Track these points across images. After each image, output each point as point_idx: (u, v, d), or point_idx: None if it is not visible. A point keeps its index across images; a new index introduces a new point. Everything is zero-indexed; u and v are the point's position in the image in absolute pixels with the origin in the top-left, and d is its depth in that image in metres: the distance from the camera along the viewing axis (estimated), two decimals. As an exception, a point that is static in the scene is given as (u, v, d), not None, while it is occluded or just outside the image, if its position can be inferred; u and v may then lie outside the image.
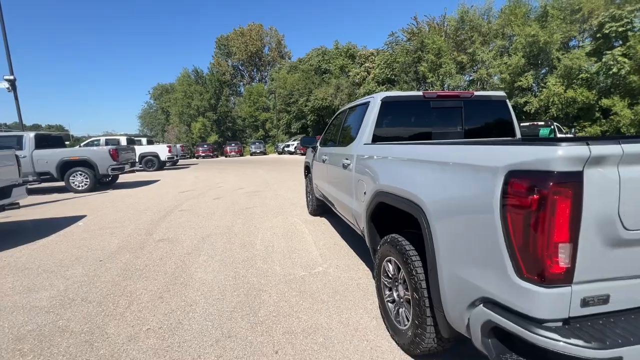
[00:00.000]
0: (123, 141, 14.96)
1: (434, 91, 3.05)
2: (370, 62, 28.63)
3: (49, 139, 9.48)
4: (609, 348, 0.95)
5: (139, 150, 15.84)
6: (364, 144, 2.73)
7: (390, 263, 2.00)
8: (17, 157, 4.79)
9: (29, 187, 6.17)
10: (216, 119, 40.01)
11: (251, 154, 32.50)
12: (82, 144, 15.19)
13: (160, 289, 2.84)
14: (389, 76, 24.26)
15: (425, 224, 1.55)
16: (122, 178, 12.28)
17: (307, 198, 5.69)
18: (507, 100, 3.07)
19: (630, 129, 12.65)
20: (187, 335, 2.16)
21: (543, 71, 16.67)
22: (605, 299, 1.06)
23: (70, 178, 8.84)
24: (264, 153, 32.99)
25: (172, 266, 3.35)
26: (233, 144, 32.66)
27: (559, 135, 12.17)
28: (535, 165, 1.04)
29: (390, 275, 2.04)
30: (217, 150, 33.82)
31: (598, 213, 1.00)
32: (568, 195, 0.98)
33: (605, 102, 13.43)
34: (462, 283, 1.35)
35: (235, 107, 45.28)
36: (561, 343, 0.99)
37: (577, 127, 14.68)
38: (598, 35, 14.10)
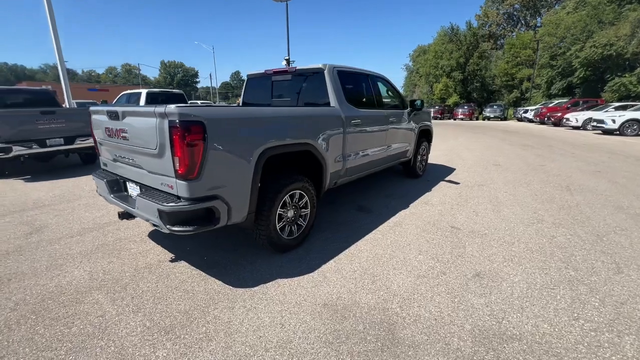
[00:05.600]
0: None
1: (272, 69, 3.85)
2: None
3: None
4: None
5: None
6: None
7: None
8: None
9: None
10: (462, 78, 37.97)
11: (484, 119, 29.30)
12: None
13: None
14: None
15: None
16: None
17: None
18: (325, 72, 3.30)
19: None
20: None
21: None
22: None
23: None
24: (502, 118, 28.59)
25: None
26: (465, 107, 30.70)
27: None
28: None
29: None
30: (449, 112, 33.09)
31: None
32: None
33: None
34: None
35: (491, 63, 40.15)
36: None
37: None
38: None
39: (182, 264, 2.73)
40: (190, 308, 2.13)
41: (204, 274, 2.56)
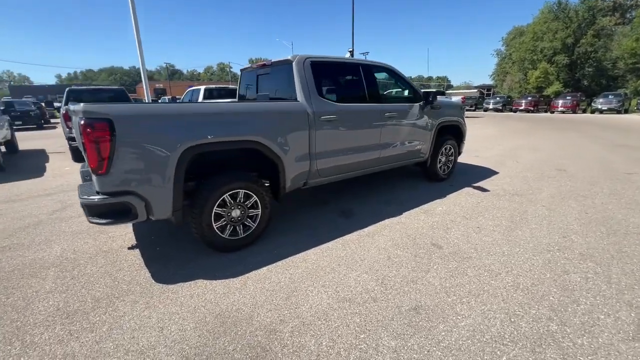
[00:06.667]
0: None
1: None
2: None
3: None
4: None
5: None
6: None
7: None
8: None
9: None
10: (568, 63, 31.64)
11: (592, 112, 23.98)
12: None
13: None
14: None
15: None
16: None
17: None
18: (293, 64, 3.01)
19: None
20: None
21: None
22: None
23: None
24: (621, 111, 22.94)
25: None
26: (568, 97, 25.63)
27: None
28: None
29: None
30: (546, 104, 28.02)
31: None
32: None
33: None
34: None
35: (612, 42, 32.45)
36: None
37: None
38: None
39: (135, 252, 2.90)
40: (104, 296, 2.24)
41: (143, 264, 2.67)
